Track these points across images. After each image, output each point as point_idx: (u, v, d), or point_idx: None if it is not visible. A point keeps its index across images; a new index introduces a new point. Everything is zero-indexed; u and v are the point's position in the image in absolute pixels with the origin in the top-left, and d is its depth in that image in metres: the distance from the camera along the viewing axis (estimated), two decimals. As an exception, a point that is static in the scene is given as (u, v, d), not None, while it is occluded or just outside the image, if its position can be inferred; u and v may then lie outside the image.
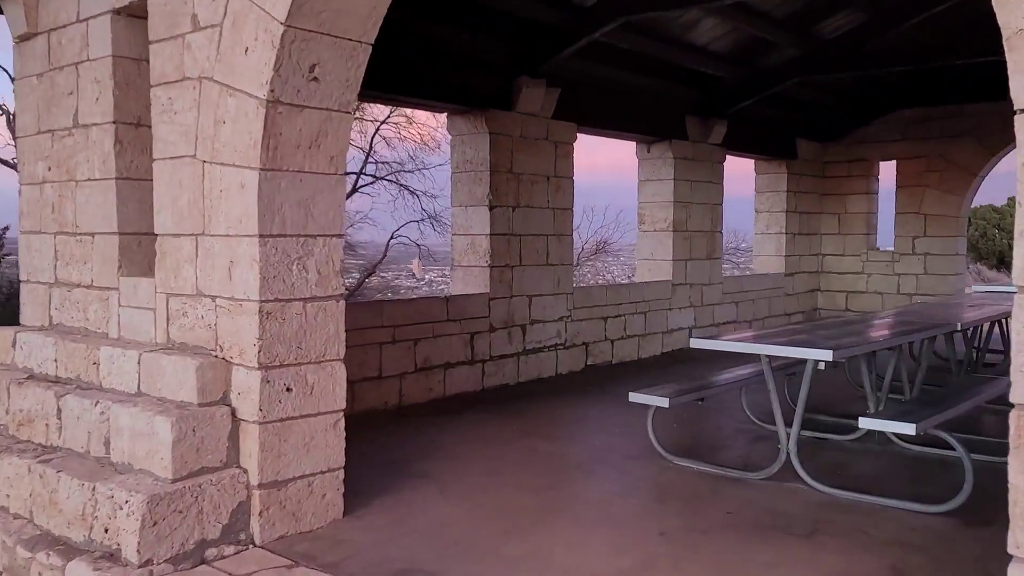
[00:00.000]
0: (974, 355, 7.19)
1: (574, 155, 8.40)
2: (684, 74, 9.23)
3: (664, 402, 4.65)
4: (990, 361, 8.04)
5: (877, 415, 4.10)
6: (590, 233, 17.85)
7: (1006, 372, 5.83)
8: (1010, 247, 31.66)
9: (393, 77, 6.57)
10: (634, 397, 4.83)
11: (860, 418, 4.03)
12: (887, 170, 12.54)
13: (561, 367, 8.32)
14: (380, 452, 5.25)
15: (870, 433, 5.51)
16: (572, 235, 8.54)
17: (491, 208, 7.49)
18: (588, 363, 8.69)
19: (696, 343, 4.51)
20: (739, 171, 13.52)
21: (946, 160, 11.80)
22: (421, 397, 6.93)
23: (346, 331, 6.73)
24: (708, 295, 10.49)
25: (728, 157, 10.79)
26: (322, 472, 3.90)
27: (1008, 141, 11.29)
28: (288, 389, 3.75)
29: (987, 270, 31.14)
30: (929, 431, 3.96)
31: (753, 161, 12.25)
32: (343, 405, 3.99)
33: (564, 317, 8.35)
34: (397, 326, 6.81)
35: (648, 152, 9.91)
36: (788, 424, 4.56)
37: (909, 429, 3.84)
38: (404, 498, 4.35)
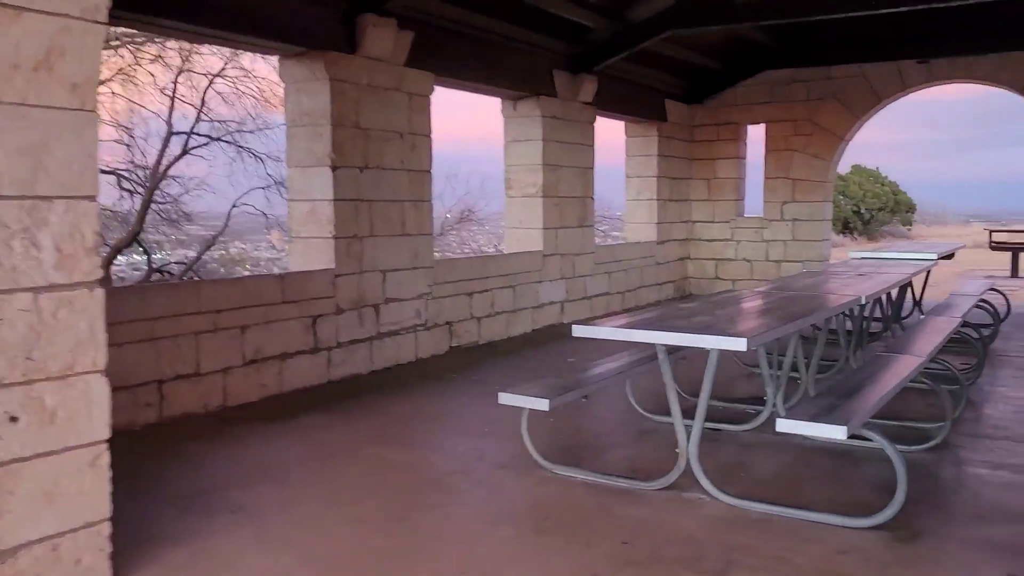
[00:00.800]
0: (861, 326, 6.78)
1: (431, 111, 7.38)
2: (553, 23, 8.37)
3: (543, 404, 3.79)
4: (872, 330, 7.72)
5: (791, 414, 3.38)
6: (453, 200, 16.90)
7: (899, 347, 5.39)
8: (854, 212, 33.10)
9: (201, 2, 5.32)
10: (505, 399, 3.94)
11: (778, 420, 3.31)
12: (757, 135, 12.22)
13: (422, 350, 7.35)
14: (186, 477, 4.13)
15: (768, 421, 4.90)
16: (431, 201, 7.54)
17: (334, 169, 6.38)
18: (453, 345, 7.77)
19: (581, 331, 3.66)
20: (606, 140, 12.88)
21: (813, 123, 11.58)
22: (252, 395, 5.80)
23: (154, 319, 5.50)
24: (580, 266, 9.78)
25: (599, 119, 10.06)
26: (74, 530, 2.79)
27: (872, 104, 11.16)
28: (13, 419, 2.61)
29: (833, 235, 32.57)
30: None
31: (623, 124, 11.61)
32: (105, 433, 2.88)
33: (424, 294, 7.38)
34: (220, 311, 5.62)
35: (515, 110, 9.01)
36: (685, 414, 3.81)
37: (839, 433, 3.14)
38: (208, 548, 3.28)
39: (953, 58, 10.51)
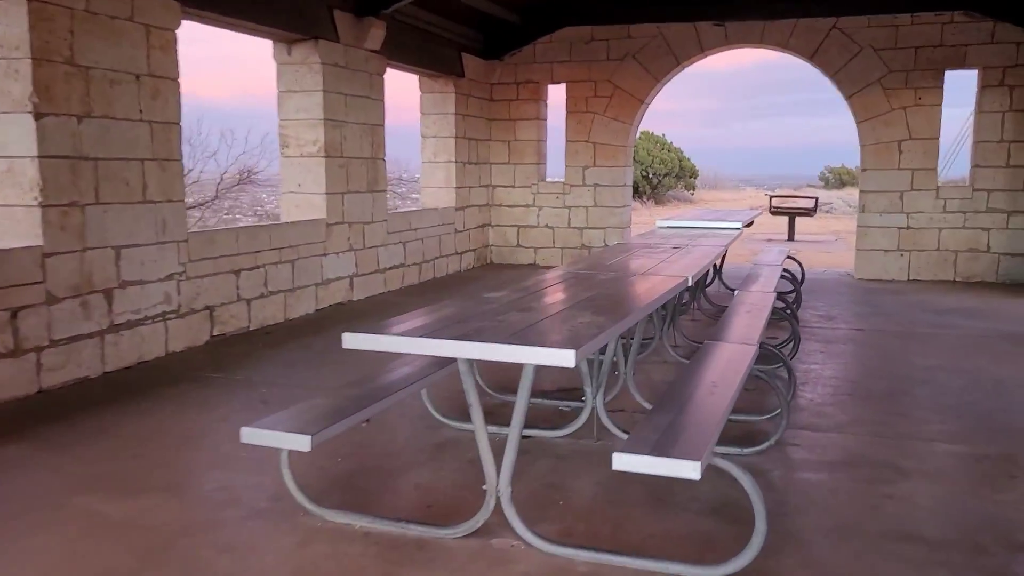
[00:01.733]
0: (676, 302, 6.33)
1: (177, 50, 5.99)
2: (331, -48, 7.17)
3: (302, 443, 2.78)
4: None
5: (629, 446, 2.62)
6: (231, 160, 15.10)
7: (723, 332, 4.88)
8: (643, 178, 34.16)
9: None
10: (250, 436, 2.89)
11: (614, 456, 2.53)
12: (560, 96, 11.64)
13: (174, 343, 6.04)
14: None
15: (586, 425, 4.20)
16: (182, 160, 6.17)
17: (39, 117, 4.89)
18: (215, 333, 6.49)
19: (354, 341, 2.68)
20: (405, 96, 11.77)
21: (613, 85, 11.16)
22: (-80, 420, 4.31)
23: None
24: (371, 235, 8.72)
25: (389, 71, 8.98)
26: None
27: (671, 67, 10.90)
28: None
29: (626, 199, 33.54)
30: (711, 463, 2.58)
31: (418, 78, 10.59)
32: None
33: (176, 274, 6.04)
34: None
35: (289, 55, 7.72)
36: (493, 421, 2.96)
37: (691, 472, 2.41)
38: None
39: (748, 22, 10.43)
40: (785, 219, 18.23)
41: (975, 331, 7.05)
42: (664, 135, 38.51)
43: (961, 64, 9.84)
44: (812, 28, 10.23)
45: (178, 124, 6.04)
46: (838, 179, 44.79)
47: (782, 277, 7.46)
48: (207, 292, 6.38)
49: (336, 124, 7.94)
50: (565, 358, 2.42)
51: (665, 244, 5.92)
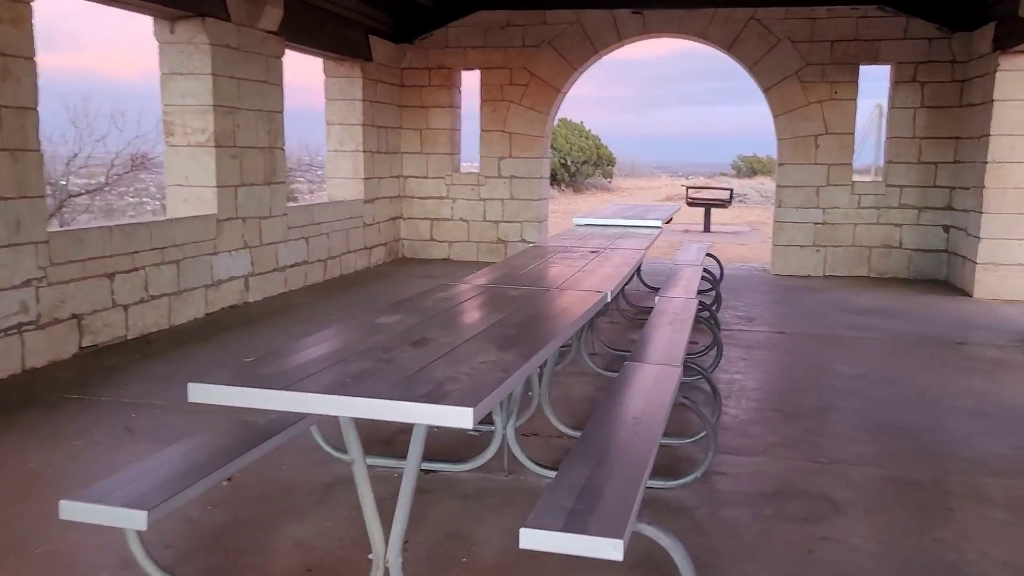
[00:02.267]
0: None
1: (32, 24, 5.25)
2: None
3: (138, 521, 2.24)
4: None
5: (536, 520, 2.19)
6: (123, 144, 14.02)
7: (644, 351, 4.45)
8: (561, 165, 34.01)
9: None
10: (71, 512, 2.32)
11: (521, 531, 2.10)
12: (474, 82, 11.14)
13: (32, 358, 5.33)
14: None
15: (497, 456, 3.78)
16: (40, 149, 5.44)
17: None
18: (84, 345, 5.80)
19: (207, 394, 2.15)
20: (307, 82, 11.06)
21: (529, 73, 10.74)
22: None
23: None
24: (269, 231, 8.07)
25: (289, 54, 8.33)
26: None
27: (589, 55, 10.54)
28: None
29: (544, 187, 33.28)
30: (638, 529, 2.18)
31: (322, 62, 9.92)
32: None
33: (34, 280, 5.33)
34: None
35: (172, 33, 7.00)
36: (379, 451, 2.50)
37: (613, 552, 2.01)
38: None
39: (667, 11, 10.16)
40: (701, 209, 18.23)
41: (895, 334, 6.94)
42: (582, 122, 38.46)
43: (875, 59, 9.80)
44: (730, 18, 10.02)
45: (35, 109, 5.30)
46: (750, 168, 45.69)
47: (702, 278, 7.20)
48: (74, 299, 5.68)
49: (228, 111, 7.26)
50: (460, 418, 1.97)
51: (582, 247, 5.54)
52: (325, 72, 10.04)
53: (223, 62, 7.14)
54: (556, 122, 40.18)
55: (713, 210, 18.47)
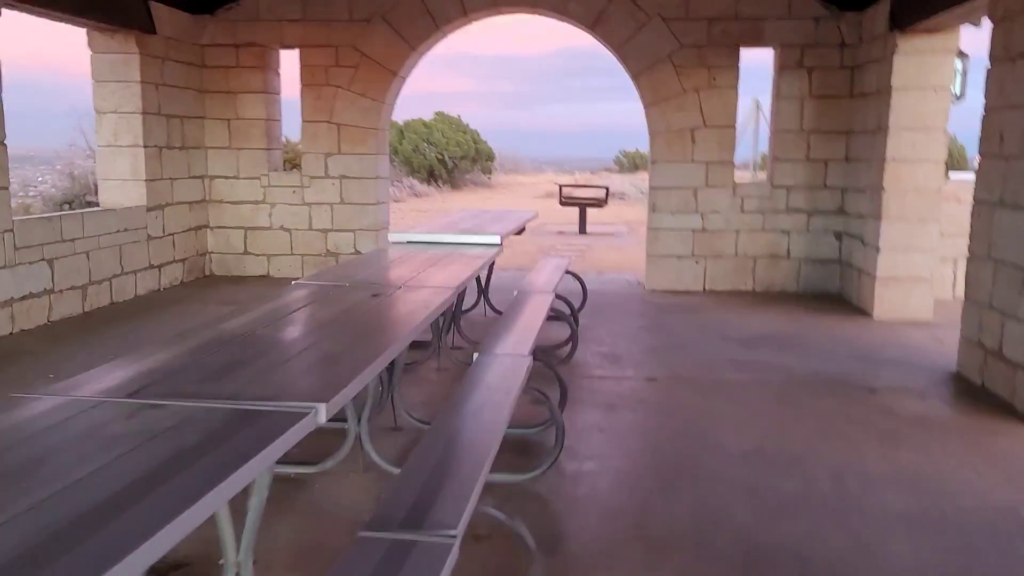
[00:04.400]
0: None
1: None
2: None
3: None
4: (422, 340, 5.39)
5: None
6: None
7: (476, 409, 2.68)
8: (438, 160, 32.28)
9: None
10: None
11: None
12: (295, 63, 9.22)
13: None
14: None
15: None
16: None
17: None
18: None
19: None
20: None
21: (359, 52, 8.93)
22: None
23: None
24: (-21, 255, 5.98)
25: (16, 15, 6.25)
26: None
27: (430, 32, 8.82)
28: None
29: (419, 184, 31.35)
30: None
31: (86, 32, 7.81)
32: None
33: None
34: None
35: None
36: None
37: None
38: None
39: (520, -20, 8.57)
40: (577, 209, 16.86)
41: (791, 375, 5.55)
42: (460, 116, 36.80)
43: (758, 40, 8.50)
44: (594, -9, 8.53)
45: None
46: (632, 163, 45.20)
47: (551, 314, 5.60)
48: None
49: None
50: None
51: (389, 275, 3.85)
52: (91, 46, 7.92)
53: None
54: (432, 116, 38.37)
55: (590, 210, 17.17)
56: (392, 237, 5.66)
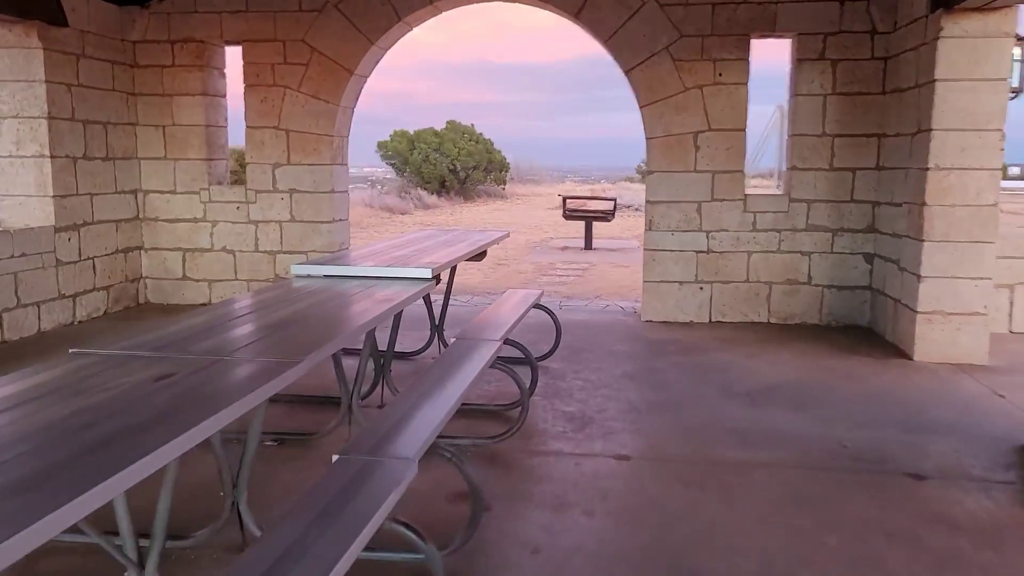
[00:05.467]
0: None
1: None
2: None
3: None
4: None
5: None
6: None
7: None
8: (449, 171, 31.12)
9: None
10: None
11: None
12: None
13: None
14: None
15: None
16: None
17: None
18: None
19: None
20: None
21: (311, 48, 7.75)
22: None
23: None
24: None
25: None
26: None
27: (390, 22, 7.62)
28: None
29: (428, 195, 30.17)
30: None
31: (-16, 24, 6.71)
32: None
33: None
34: None
35: None
36: None
37: None
38: None
39: (490, -39, 7.35)
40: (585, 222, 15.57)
41: (809, 452, 4.23)
42: (472, 125, 35.70)
43: (771, 28, 7.20)
44: (578, -28, 7.29)
45: None
46: (652, 173, 43.69)
47: (496, 366, 4.33)
48: None
49: None
50: None
51: (233, 333, 2.62)
52: (-12, 40, 6.82)
53: None
54: (444, 125, 37.27)
55: (598, 223, 15.89)
56: (296, 269, 4.43)
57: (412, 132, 34.22)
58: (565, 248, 15.37)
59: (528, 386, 4.79)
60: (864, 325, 7.31)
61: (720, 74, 7.27)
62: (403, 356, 6.16)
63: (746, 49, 7.24)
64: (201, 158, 8.05)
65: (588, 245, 15.23)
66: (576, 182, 50.19)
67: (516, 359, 5.05)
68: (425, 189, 31.55)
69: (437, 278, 4.45)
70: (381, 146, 34.53)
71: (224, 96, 8.35)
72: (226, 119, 8.41)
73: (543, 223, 21.41)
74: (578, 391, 5.29)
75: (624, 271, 11.94)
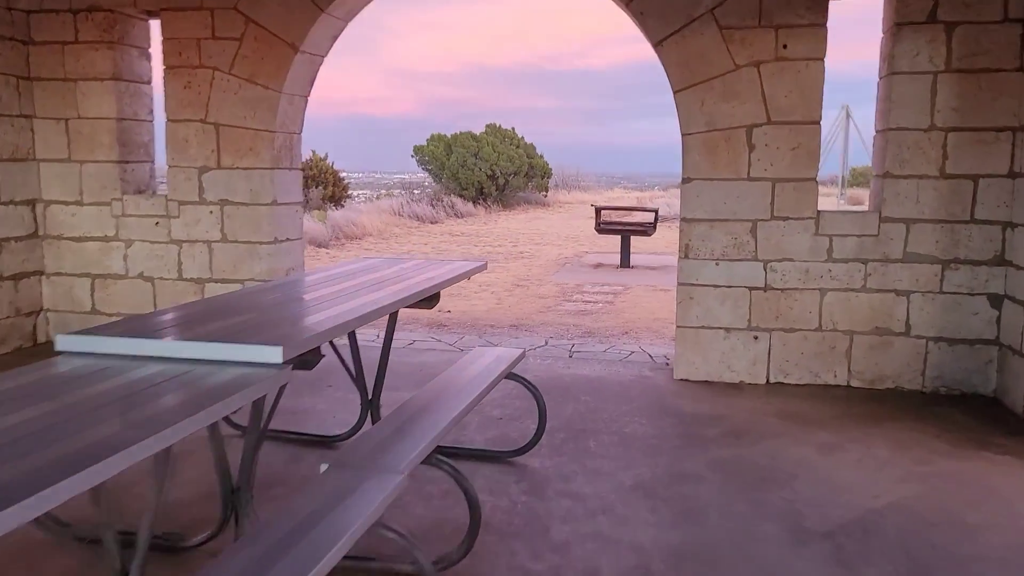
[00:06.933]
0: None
1: None
2: None
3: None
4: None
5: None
6: None
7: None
8: (488, 177, 29.17)
9: None
10: None
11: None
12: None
13: None
14: None
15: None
16: None
17: None
18: None
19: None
20: None
21: (246, 18, 5.99)
22: None
23: None
24: None
25: None
26: None
27: (343, -17, 5.78)
28: None
29: (461, 203, 28.36)
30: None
31: None
32: None
33: None
34: None
35: None
36: None
37: None
38: None
39: None
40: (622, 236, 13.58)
41: None
42: (513, 129, 33.90)
43: (859, -19, 5.18)
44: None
45: None
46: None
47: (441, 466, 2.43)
48: None
49: None
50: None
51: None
52: None
53: None
54: (483, 128, 35.51)
55: (636, 238, 13.91)
56: (61, 343, 2.62)
57: (449, 136, 32.60)
58: (599, 266, 13.42)
59: (470, 525, 2.90)
60: (988, 394, 5.23)
61: (785, 45, 5.27)
62: (322, 440, 4.32)
63: (823, 10, 5.23)
64: (112, 160, 6.34)
65: (625, 263, 13.25)
66: (627, 188, 48.13)
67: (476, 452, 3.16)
68: (461, 196, 29.80)
69: (304, 361, 2.62)
70: (417, 150, 32.99)
71: (147, 82, 6.64)
72: (151, 112, 6.70)
73: (581, 234, 19.46)
74: (560, 522, 3.36)
75: (663, 297, 9.96)
